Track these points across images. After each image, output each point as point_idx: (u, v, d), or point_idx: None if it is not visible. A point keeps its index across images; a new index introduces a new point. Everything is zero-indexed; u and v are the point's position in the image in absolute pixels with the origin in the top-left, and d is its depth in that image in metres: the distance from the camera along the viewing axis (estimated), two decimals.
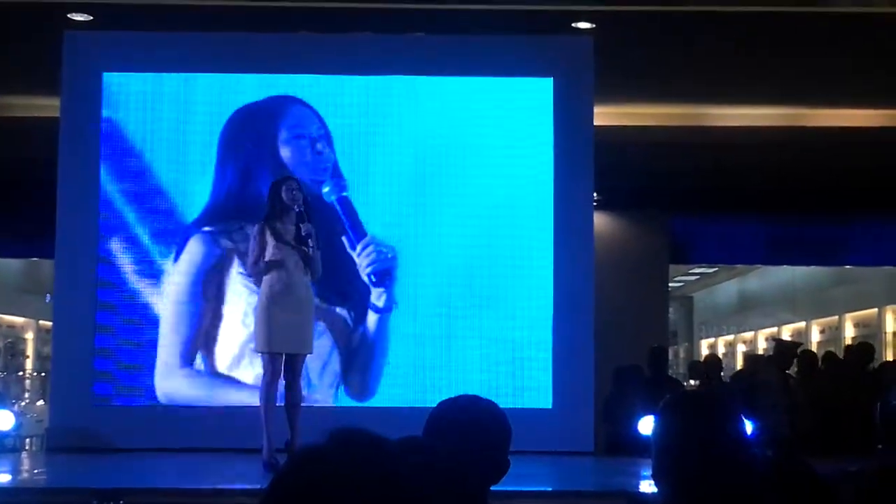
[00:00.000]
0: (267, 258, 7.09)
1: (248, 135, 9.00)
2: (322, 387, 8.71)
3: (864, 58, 9.60)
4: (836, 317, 16.92)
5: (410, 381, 8.73)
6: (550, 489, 7.09)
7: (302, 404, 7.24)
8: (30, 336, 16.72)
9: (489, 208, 8.93)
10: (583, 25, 9.02)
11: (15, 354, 16.01)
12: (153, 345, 8.78)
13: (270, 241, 7.09)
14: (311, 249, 7.06)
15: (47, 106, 9.63)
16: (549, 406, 8.73)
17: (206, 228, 8.87)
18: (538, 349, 8.81)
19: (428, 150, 8.99)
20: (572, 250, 8.88)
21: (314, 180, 8.67)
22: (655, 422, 2.48)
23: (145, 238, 8.87)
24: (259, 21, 8.99)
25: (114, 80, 9.01)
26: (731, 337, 20.62)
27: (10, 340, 16.24)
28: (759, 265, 17.50)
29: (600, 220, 11.04)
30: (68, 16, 8.91)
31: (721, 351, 19.93)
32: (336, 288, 8.59)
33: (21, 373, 15.84)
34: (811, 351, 11.84)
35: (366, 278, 8.74)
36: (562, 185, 8.92)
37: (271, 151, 8.93)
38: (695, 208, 13.34)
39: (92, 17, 8.96)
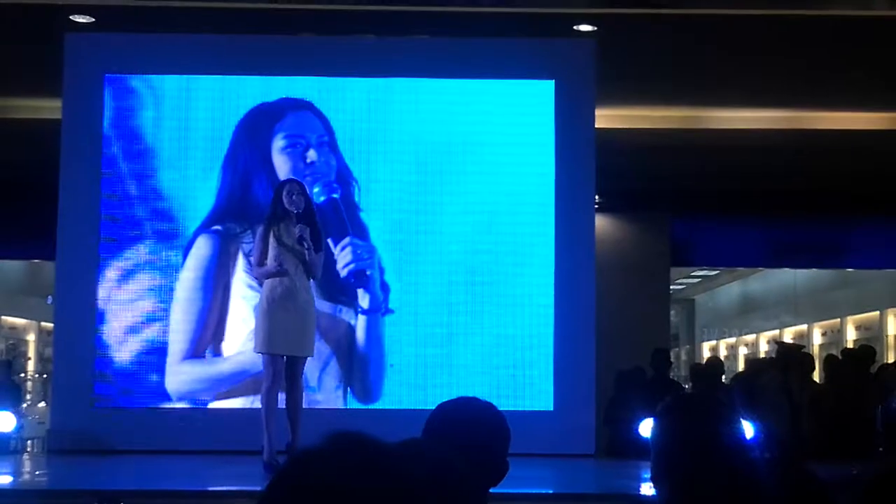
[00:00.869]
0: (269, 261, 7.11)
1: (251, 137, 9.01)
2: (327, 389, 8.70)
3: (865, 61, 9.60)
4: (838, 319, 16.90)
5: (412, 383, 8.73)
6: (551, 491, 7.10)
7: (304, 406, 7.24)
8: (31, 338, 16.72)
9: (491, 211, 8.94)
10: (584, 28, 9.03)
11: (16, 356, 16.00)
12: (155, 346, 8.79)
13: (272, 243, 7.11)
14: (306, 252, 7.08)
15: (49, 108, 9.63)
16: (551, 408, 8.73)
17: (215, 227, 8.89)
18: (540, 352, 8.81)
19: (430, 153, 8.99)
20: (574, 253, 8.88)
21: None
22: (654, 425, 2.49)
23: (146, 239, 8.88)
24: (261, 23, 9.00)
25: (115, 82, 9.02)
26: (732, 339, 20.61)
27: (11, 342, 16.24)
28: (760, 268, 17.49)
29: (602, 223, 11.05)
30: (70, 18, 8.92)
31: (723, 353, 19.91)
32: (328, 289, 8.58)
33: (22, 374, 15.83)
34: (812, 354, 11.82)
35: (344, 277, 8.74)
36: (563, 188, 8.93)
37: (264, 156, 8.94)
38: (696, 211, 13.35)
39: (94, 19, 8.97)
